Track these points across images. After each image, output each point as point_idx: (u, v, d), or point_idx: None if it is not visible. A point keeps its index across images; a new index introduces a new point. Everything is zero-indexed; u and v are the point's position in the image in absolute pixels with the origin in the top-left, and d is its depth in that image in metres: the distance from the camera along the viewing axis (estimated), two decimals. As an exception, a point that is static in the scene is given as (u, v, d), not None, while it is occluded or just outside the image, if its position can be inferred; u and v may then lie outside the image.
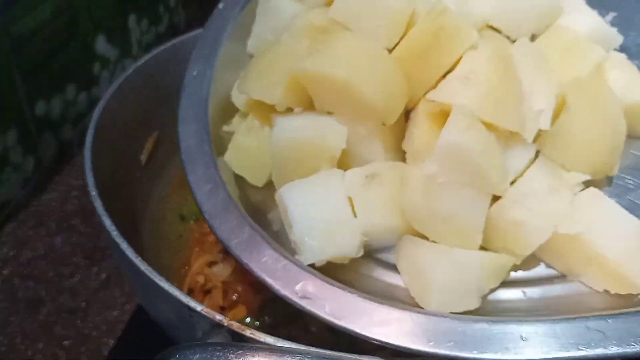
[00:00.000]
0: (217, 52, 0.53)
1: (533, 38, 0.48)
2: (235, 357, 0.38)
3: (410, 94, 0.43)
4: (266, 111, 0.46)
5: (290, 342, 0.42)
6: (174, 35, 0.76)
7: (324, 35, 0.44)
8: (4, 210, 0.77)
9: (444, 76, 0.43)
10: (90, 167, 0.55)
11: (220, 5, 0.55)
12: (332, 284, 0.40)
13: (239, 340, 0.43)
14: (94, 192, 0.53)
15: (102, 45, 0.89)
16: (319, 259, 0.40)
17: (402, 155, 0.45)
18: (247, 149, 0.47)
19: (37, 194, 0.82)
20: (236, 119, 0.51)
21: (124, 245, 0.49)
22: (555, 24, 0.48)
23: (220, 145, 0.49)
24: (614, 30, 0.50)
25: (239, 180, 0.48)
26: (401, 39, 0.44)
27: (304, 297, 0.39)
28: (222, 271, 0.65)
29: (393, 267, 0.44)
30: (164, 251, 0.70)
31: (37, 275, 0.72)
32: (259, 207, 0.47)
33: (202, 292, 0.64)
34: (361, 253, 0.42)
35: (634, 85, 0.47)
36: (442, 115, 0.40)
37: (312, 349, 0.41)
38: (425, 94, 0.43)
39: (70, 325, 0.67)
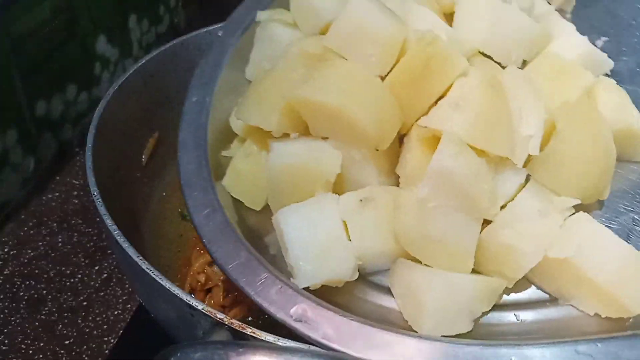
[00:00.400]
0: (217, 79, 0.54)
1: (524, 64, 0.49)
2: (237, 356, 0.38)
3: (403, 119, 0.44)
4: (263, 136, 0.47)
5: (290, 341, 0.42)
6: (174, 36, 0.76)
7: (318, 62, 0.46)
8: (4, 210, 0.77)
9: (435, 102, 0.43)
10: (91, 167, 0.55)
11: (220, 33, 0.57)
12: (326, 308, 0.41)
13: (240, 339, 0.43)
14: (95, 192, 0.53)
15: (102, 45, 0.89)
16: (314, 282, 0.41)
17: (395, 180, 0.45)
18: (244, 174, 0.48)
19: (37, 193, 0.82)
20: (234, 144, 0.52)
21: (125, 245, 0.49)
22: (546, 50, 0.49)
23: (219, 170, 0.50)
24: (605, 55, 0.50)
25: (237, 204, 0.49)
26: (393, 66, 0.45)
27: (298, 320, 0.40)
28: (222, 270, 0.65)
29: (387, 290, 0.44)
30: (165, 250, 0.70)
31: (37, 275, 0.72)
32: (257, 231, 0.47)
33: (203, 291, 0.65)
34: (356, 276, 0.42)
35: (623, 110, 0.47)
36: (434, 141, 0.41)
37: (313, 347, 0.41)
38: (417, 119, 0.44)
39: (71, 325, 0.68)
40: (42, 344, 0.65)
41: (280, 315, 0.40)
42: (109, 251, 0.76)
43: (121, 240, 0.49)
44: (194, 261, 0.66)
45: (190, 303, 0.44)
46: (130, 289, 0.72)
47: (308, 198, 0.43)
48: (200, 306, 0.44)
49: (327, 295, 0.42)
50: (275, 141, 0.46)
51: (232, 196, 0.49)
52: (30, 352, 0.65)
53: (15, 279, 0.72)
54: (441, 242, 0.40)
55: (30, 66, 0.75)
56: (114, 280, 0.73)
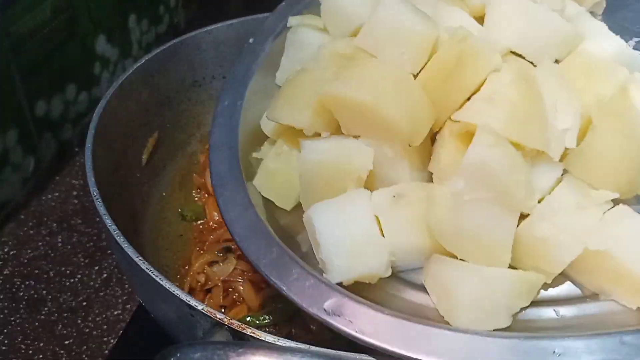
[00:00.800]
0: (248, 83, 0.55)
1: (556, 63, 0.48)
2: (236, 356, 0.38)
3: (436, 116, 0.44)
4: (295, 136, 0.47)
5: (290, 341, 0.42)
6: (174, 36, 0.76)
7: (350, 61, 0.46)
8: (4, 210, 0.77)
9: (468, 98, 0.43)
10: (91, 167, 0.55)
11: (251, 40, 0.58)
12: (361, 302, 0.40)
13: (240, 339, 0.43)
14: (94, 192, 0.53)
15: (102, 45, 0.89)
16: (347, 277, 0.41)
17: (427, 177, 0.45)
18: (275, 173, 0.49)
19: (37, 193, 0.82)
20: (265, 146, 0.52)
21: (125, 245, 0.49)
22: (579, 48, 0.48)
23: (249, 171, 0.50)
24: (638, 53, 0.50)
25: (268, 204, 0.49)
26: (425, 64, 0.45)
27: (333, 314, 0.40)
28: (222, 270, 0.65)
29: (420, 287, 0.44)
30: (165, 250, 0.70)
31: (37, 275, 0.72)
32: (287, 230, 0.47)
33: (203, 292, 0.65)
34: (389, 273, 0.42)
35: None
36: (468, 136, 0.41)
37: (312, 347, 0.41)
38: (450, 115, 0.44)
39: (71, 325, 0.68)
40: (41, 344, 0.65)
41: (313, 309, 0.40)
42: (108, 251, 0.76)
43: (121, 240, 0.49)
44: (193, 261, 0.66)
45: (190, 303, 0.44)
46: (130, 289, 0.72)
47: (340, 195, 0.43)
48: (200, 306, 0.44)
49: (359, 291, 0.42)
50: (307, 140, 0.46)
51: (262, 196, 0.49)
52: (30, 352, 0.65)
53: (15, 279, 0.72)
54: (477, 236, 0.40)
55: (30, 66, 0.75)
56: (114, 280, 0.73)
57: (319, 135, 0.46)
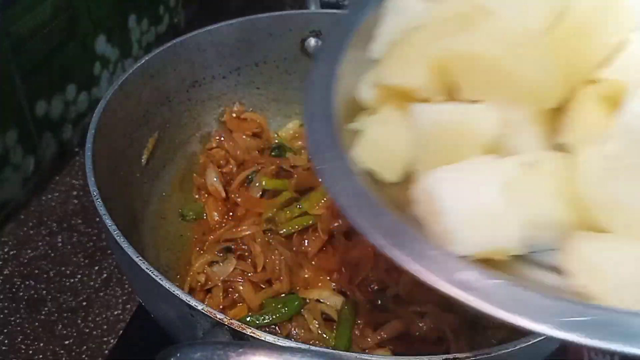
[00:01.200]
0: (340, 57, 0.51)
1: None
2: (236, 356, 0.38)
3: (569, 76, 0.40)
4: (400, 102, 0.44)
5: (290, 341, 0.42)
6: (174, 36, 0.76)
7: (469, 19, 0.41)
8: (4, 210, 0.77)
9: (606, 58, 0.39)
10: (91, 167, 0.55)
11: (345, 12, 0.54)
12: (496, 276, 0.35)
13: (240, 339, 0.43)
14: (94, 192, 0.53)
15: (102, 45, 0.90)
16: (475, 250, 0.37)
17: (553, 148, 0.41)
18: (379, 142, 0.44)
19: (37, 193, 0.82)
20: (362, 117, 0.48)
21: (125, 245, 0.49)
22: None
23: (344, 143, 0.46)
24: None
25: (366, 176, 0.45)
26: (557, 22, 0.41)
27: (465, 288, 0.35)
28: (222, 270, 0.65)
29: (554, 269, 0.39)
30: (165, 250, 0.70)
31: (37, 275, 0.73)
32: (392, 202, 0.43)
33: (203, 292, 0.65)
34: (521, 249, 0.38)
35: None
36: (610, 98, 0.37)
37: (313, 347, 0.42)
38: (586, 76, 0.40)
39: (71, 325, 0.68)
40: (41, 344, 0.65)
41: (444, 281, 0.35)
42: (108, 251, 0.76)
43: (121, 240, 0.49)
44: (193, 261, 0.66)
45: (190, 303, 0.44)
46: (130, 289, 0.72)
47: (460, 162, 0.39)
48: (200, 306, 0.44)
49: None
50: (419, 104, 0.42)
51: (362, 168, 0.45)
52: (30, 352, 0.65)
53: (15, 279, 0.72)
54: (634, 207, 0.36)
55: (30, 66, 0.75)
56: (114, 280, 0.73)
57: (428, 101, 0.42)
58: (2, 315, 0.68)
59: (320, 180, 0.43)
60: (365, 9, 0.52)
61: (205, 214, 0.74)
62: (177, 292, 0.45)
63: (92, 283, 0.72)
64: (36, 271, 0.73)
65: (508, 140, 0.40)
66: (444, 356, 0.43)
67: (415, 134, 0.42)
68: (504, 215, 0.37)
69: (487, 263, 0.37)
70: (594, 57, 0.39)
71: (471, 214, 0.37)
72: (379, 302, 0.65)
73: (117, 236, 0.50)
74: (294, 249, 0.69)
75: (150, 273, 0.47)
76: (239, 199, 0.74)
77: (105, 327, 0.68)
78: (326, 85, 0.49)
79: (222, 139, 0.80)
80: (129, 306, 0.70)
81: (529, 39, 0.39)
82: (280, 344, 0.42)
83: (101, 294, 0.71)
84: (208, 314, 0.44)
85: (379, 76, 0.45)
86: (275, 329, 0.60)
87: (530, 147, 0.40)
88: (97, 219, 0.79)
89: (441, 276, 0.35)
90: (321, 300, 0.64)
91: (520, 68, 0.38)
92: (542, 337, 0.44)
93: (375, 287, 0.67)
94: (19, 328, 0.67)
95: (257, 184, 0.75)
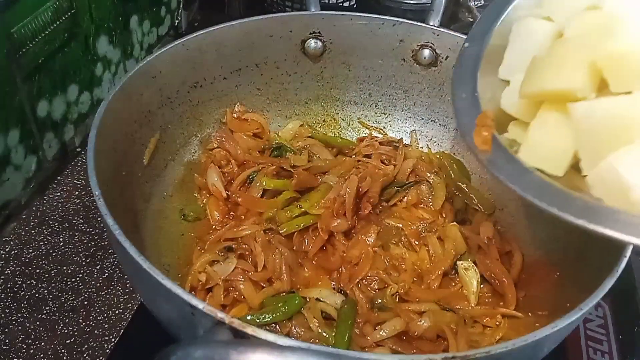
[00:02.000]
0: (476, 81, 0.56)
1: None
2: (237, 354, 0.38)
3: None
4: (555, 105, 0.49)
5: (291, 340, 0.43)
6: (175, 37, 0.77)
7: (608, 26, 0.47)
8: (6, 210, 0.78)
9: None
10: (93, 167, 0.55)
11: (466, 44, 0.59)
12: None
13: (241, 338, 0.43)
14: (96, 192, 0.53)
15: (104, 46, 0.90)
16: None
17: None
18: (544, 142, 0.50)
19: (39, 193, 0.82)
20: (512, 127, 0.54)
21: (126, 244, 0.49)
22: None
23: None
24: None
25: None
26: None
27: None
28: (223, 270, 0.65)
29: None
30: (166, 250, 0.70)
31: (39, 274, 0.73)
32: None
33: (204, 291, 0.65)
34: None
35: None
36: None
37: (313, 346, 0.42)
38: None
39: (73, 324, 0.68)
40: (43, 344, 0.66)
41: None
42: (110, 251, 0.76)
43: (122, 239, 0.50)
44: (194, 260, 0.67)
45: (191, 302, 0.45)
46: (131, 288, 0.72)
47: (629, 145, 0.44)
48: (201, 305, 0.44)
49: None
50: (579, 102, 0.47)
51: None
52: (32, 351, 0.65)
53: (16, 279, 0.72)
54: None
55: (32, 67, 0.75)
56: (115, 279, 0.73)
57: (584, 99, 0.47)
58: (3, 315, 0.68)
59: (506, 184, 0.48)
60: (484, 39, 0.58)
61: (206, 214, 0.75)
62: (179, 291, 0.45)
63: (93, 282, 0.73)
64: (38, 270, 0.73)
65: None
66: (443, 355, 0.43)
67: (580, 130, 0.47)
68: None
69: None
70: None
71: None
72: (379, 301, 0.65)
73: (119, 235, 0.50)
74: (294, 248, 0.70)
75: (151, 272, 0.47)
76: (239, 199, 0.74)
77: (106, 326, 0.68)
78: (472, 103, 0.54)
79: (223, 139, 0.81)
80: (130, 305, 0.70)
81: None
82: (281, 342, 0.42)
83: (102, 293, 0.72)
84: (209, 312, 0.44)
85: (532, 86, 0.50)
86: (275, 327, 0.60)
87: None
88: (99, 219, 0.80)
89: None
90: (321, 299, 0.64)
91: None
92: (543, 335, 0.46)
93: (375, 287, 0.67)
94: (20, 327, 0.67)
95: (257, 184, 0.75)
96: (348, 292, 0.66)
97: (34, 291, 0.71)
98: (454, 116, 0.55)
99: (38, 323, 0.68)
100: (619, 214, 0.42)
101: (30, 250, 0.76)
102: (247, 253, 0.68)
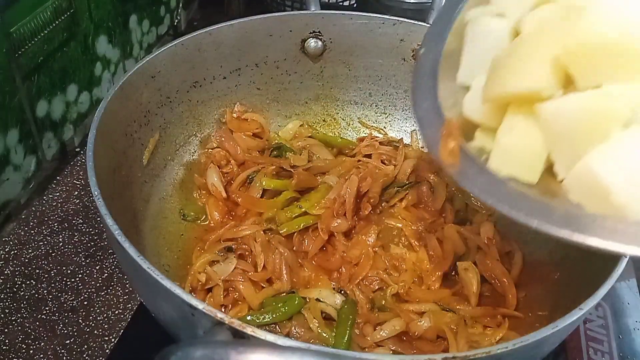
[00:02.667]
0: (436, 90, 0.53)
1: None
2: (237, 355, 0.38)
3: None
4: (520, 107, 0.46)
5: (290, 340, 0.42)
6: (174, 36, 0.77)
7: (568, 19, 0.44)
8: (6, 210, 0.78)
9: None
10: (92, 167, 0.55)
11: (422, 50, 0.56)
12: None
13: (241, 338, 0.43)
14: (95, 192, 0.53)
15: (103, 46, 0.90)
16: None
17: None
18: (515, 148, 0.47)
19: (38, 193, 0.82)
20: (478, 134, 0.50)
21: (126, 244, 0.49)
22: None
23: None
24: None
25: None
26: None
27: None
28: (223, 270, 0.65)
29: None
30: (166, 250, 0.70)
31: (38, 275, 0.73)
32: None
33: (204, 291, 0.65)
34: None
35: None
36: None
37: (312, 346, 0.42)
38: None
39: (72, 324, 0.68)
40: (42, 344, 0.66)
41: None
42: (109, 251, 0.76)
43: (122, 239, 0.50)
44: (194, 261, 0.67)
45: (191, 302, 0.44)
46: (130, 289, 0.72)
47: (603, 142, 0.41)
48: (200, 305, 0.44)
49: None
50: (547, 102, 0.44)
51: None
52: (31, 351, 0.65)
53: (16, 279, 0.72)
54: None
55: (32, 67, 0.75)
56: (115, 279, 0.73)
57: (551, 98, 0.44)
58: (3, 315, 0.68)
59: (480, 198, 0.45)
60: (440, 43, 0.54)
61: (206, 214, 0.75)
62: (178, 291, 0.45)
63: (93, 282, 0.73)
64: (37, 271, 0.73)
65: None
66: (443, 355, 0.43)
67: (550, 131, 0.43)
68: None
69: None
70: None
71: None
72: (379, 301, 0.65)
73: (118, 236, 0.50)
74: (294, 248, 0.69)
75: (151, 272, 0.47)
76: (239, 199, 0.74)
77: (106, 326, 0.68)
78: (436, 112, 0.51)
79: (223, 139, 0.81)
80: (129, 305, 0.70)
81: (634, 19, 0.40)
82: (281, 343, 0.42)
83: (102, 293, 0.71)
84: (209, 313, 0.44)
85: (495, 89, 0.46)
86: (275, 328, 0.60)
87: None
88: (98, 219, 0.79)
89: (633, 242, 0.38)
90: (321, 300, 0.64)
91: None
92: (543, 336, 0.45)
93: (375, 287, 0.67)
94: (20, 327, 0.67)
95: (257, 184, 0.75)
96: (348, 292, 0.66)
97: (33, 291, 0.71)
98: (417, 128, 0.52)
99: (38, 323, 0.68)
100: (604, 220, 0.40)
101: (30, 251, 0.75)
102: (246, 253, 0.68)
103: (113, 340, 0.67)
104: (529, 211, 0.42)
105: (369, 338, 0.61)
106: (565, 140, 0.43)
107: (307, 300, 0.64)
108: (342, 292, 0.66)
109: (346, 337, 0.60)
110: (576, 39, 0.42)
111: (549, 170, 0.45)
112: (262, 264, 0.66)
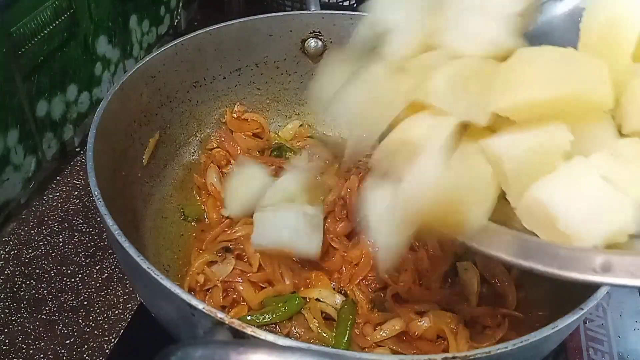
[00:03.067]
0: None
1: None
2: (237, 355, 0.38)
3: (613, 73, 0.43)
4: (476, 135, 0.47)
5: (290, 340, 0.42)
6: (174, 36, 0.77)
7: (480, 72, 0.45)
8: (6, 210, 0.77)
9: None
10: (92, 167, 0.55)
11: None
12: (629, 254, 0.39)
13: (241, 338, 0.43)
14: (95, 192, 0.53)
15: (103, 46, 0.90)
16: (600, 238, 0.40)
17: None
18: (467, 177, 0.47)
19: (38, 193, 0.82)
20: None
21: (126, 244, 0.49)
22: None
23: None
24: None
25: None
26: None
27: (605, 271, 0.39)
28: (221, 271, 0.65)
29: None
30: (166, 250, 0.70)
31: (38, 275, 0.73)
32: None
33: (203, 292, 0.65)
34: (636, 228, 0.41)
35: None
36: None
37: (312, 346, 0.42)
38: (627, 68, 0.43)
39: (72, 324, 0.68)
40: (42, 344, 0.66)
41: (586, 275, 0.40)
42: (109, 251, 0.76)
43: (122, 239, 0.50)
44: (193, 261, 0.67)
45: (191, 303, 0.44)
46: (131, 289, 0.72)
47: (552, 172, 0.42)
48: (201, 306, 0.44)
49: None
50: (491, 138, 0.45)
51: None
52: (31, 351, 0.65)
53: (16, 279, 0.72)
54: None
55: (32, 66, 0.75)
56: (115, 279, 0.73)
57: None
58: (3, 315, 0.68)
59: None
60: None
61: (205, 214, 0.75)
62: (178, 291, 0.45)
63: (93, 282, 0.73)
64: (37, 271, 0.73)
65: (583, 144, 0.43)
66: (443, 355, 0.43)
67: (498, 166, 0.45)
68: (616, 201, 0.40)
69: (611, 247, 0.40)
70: (628, 48, 0.43)
71: (586, 208, 0.40)
72: (379, 301, 0.65)
73: (118, 235, 0.50)
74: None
75: (151, 272, 0.47)
76: (239, 199, 0.74)
77: (106, 326, 0.68)
78: None
79: (223, 139, 0.81)
80: (129, 305, 0.70)
81: (566, 61, 0.43)
82: (281, 343, 0.42)
83: (102, 293, 0.71)
84: (209, 313, 0.44)
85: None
86: (275, 328, 0.60)
87: (605, 143, 0.43)
88: (98, 219, 0.79)
89: (583, 272, 0.40)
90: (321, 300, 0.64)
91: (580, 93, 0.42)
92: (543, 336, 0.45)
93: (375, 287, 0.67)
94: (20, 327, 0.67)
95: (257, 184, 0.75)
96: (348, 292, 0.66)
97: (33, 291, 0.71)
98: None
99: (38, 323, 0.68)
100: (548, 247, 0.41)
101: (30, 251, 0.75)
102: (243, 254, 0.67)
103: (113, 340, 0.67)
104: (481, 240, 0.43)
105: (368, 338, 0.61)
106: (513, 175, 0.44)
107: (307, 300, 0.63)
108: (342, 292, 0.66)
109: (346, 337, 0.60)
110: (513, 97, 0.43)
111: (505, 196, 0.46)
112: (257, 265, 0.66)
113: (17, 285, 0.71)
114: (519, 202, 0.44)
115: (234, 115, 0.83)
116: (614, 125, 0.45)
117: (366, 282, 0.67)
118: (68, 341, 0.66)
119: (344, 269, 0.68)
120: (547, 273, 0.41)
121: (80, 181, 0.85)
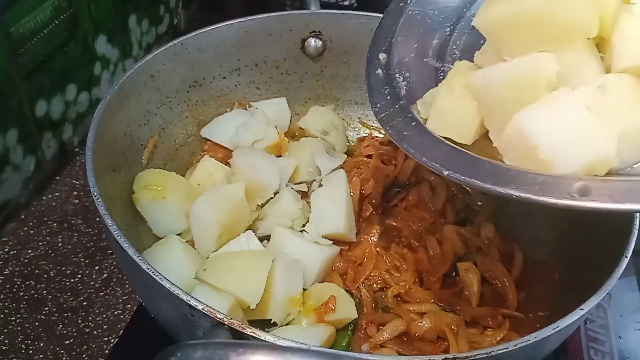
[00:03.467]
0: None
1: None
2: (237, 355, 0.38)
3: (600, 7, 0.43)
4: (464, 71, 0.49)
5: (290, 341, 0.42)
6: (174, 36, 0.77)
7: None
8: (5, 210, 0.77)
9: None
10: (92, 167, 0.55)
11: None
12: (608, 180, 0.40)
13: (240, 339, 0.43)
14: (95, 192, 0.53)
15: (102, 45, 0.90)
16: (579, 166, 0.40)
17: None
18: (451, 110, 0.48)
19: (38, 193, 0.82)
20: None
21: (125, 244, 0.49)
22: None
23: None
24: None
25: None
26: None
27: (583, 195, 0.39)
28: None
29: None
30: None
31: (38, 275, 0.73)
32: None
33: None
34: (618, 162, 0.41)
35: None
36: None
37: (312, 347, 0.42)
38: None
39: (72, 325, 0.68)
40: (42, 344, 0.65)
41: (563, 199, 0.39)
42: (109, 251, 0.76)
43: (121, 240, 0.49)
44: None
45: (191, 303, 0.44)
46: (130, 289, 0.72)
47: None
48: (200, 306, 0.44)
49: None
50: (475, 72, 0.46)
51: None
52: (31, 352, 0.65)
53: (15, 279, 0.72)
54: None
55: (31, 66, 0.75)
56: (114, 280, 0.73)
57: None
58: (2, 315, 0.68)
59: (416, 158, 0.47)
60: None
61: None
62: (178, 291, 0.45)
63: (92, 283, 0.72)
64: (37, 271, 0.73)
65: (568, 77, 0.43)
66: (444, 356, 0.43)
67: (482, 100, 0.45)
68: (599, 130, 0.40)
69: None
70: None
71: (568, 135, 0.40)
72: (382, 301, 0.65)
73: (118, 236, 0.50)
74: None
75: (150, 273, 0.47)
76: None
77: (105, 327, 0.68)
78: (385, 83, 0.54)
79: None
80: (129, 306, 0.70)
81: None
82: (281, 343, 0.42)
83: (101, 293, 0.71)
84: (208, 313, 0.44)
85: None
86: (275, 328, 0.60)
87: (592, 77, 0.44)
88: (98, 219, 0.79)
89: (560, 196, 0.39)
90: (321, 300, 0.64)
91: (560, 10, 0.42)
92: (544, 336, 0.45)
93: (377, 287, 0.67)
94: (19, 328, 0.67)
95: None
96: (354, 291, 0.66)
97: (33, 291, 0.71)
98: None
99: (37, 323, 0.67)
100: (526, 175, 0.41)
101: (29, 251, 0.75)
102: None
103: (112, 340, 0.66)
104: (458, 167, 0.44)
105: (372, 339, 0.61)
106: (496, 107, 0.45)
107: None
108: (348, 291, 0.66)
109: (346, 338, 0.60)
110: (505, 9, 0.44)
111: (487, 135, 0.47)
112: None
113: (16, 286, 0.71)
114: (500, 137, 0.44)
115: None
116: (600, 63, 0.45)
117: (369, 282, 0.67)
118: (67, 341, 0.66)
119: (348, 269, 0.68)
120: (523, 198, 0.40)
121: (80, 181, 0.85)
